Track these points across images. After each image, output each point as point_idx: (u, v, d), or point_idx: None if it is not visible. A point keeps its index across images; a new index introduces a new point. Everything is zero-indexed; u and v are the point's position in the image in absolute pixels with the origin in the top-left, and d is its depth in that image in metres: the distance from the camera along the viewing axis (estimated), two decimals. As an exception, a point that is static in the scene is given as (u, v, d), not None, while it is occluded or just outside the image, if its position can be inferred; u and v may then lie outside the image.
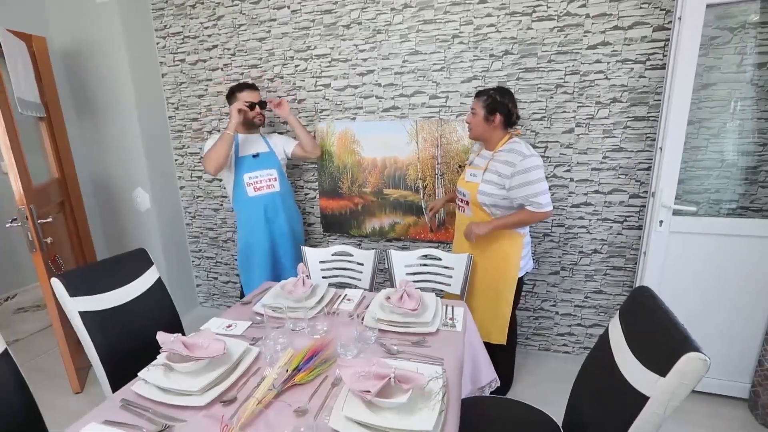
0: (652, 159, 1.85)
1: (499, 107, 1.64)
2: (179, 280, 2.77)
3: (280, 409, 0.96)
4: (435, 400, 0.93)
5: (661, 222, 1.75)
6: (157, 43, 2.50)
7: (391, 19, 2.04)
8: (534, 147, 1.98)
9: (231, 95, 2.01)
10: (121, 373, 1.31)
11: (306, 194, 2.46)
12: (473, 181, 1.72)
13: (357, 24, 2.10)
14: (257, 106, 2.01)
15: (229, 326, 1.38)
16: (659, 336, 0.90)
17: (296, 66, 2.26)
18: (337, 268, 1.97)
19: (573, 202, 2.03)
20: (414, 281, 1.84)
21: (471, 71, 2.00)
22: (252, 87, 2.02)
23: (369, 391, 0.89)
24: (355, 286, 1.92)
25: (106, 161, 2.55)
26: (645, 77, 1.80)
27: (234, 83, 2.05)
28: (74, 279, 1.34)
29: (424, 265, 1.87)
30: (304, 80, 2.27)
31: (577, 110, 1.91)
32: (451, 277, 1.83)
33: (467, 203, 1.77)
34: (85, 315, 1.31)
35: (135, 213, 2.58)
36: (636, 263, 1.98)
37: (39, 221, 1.92)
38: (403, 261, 1.85)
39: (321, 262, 1.95)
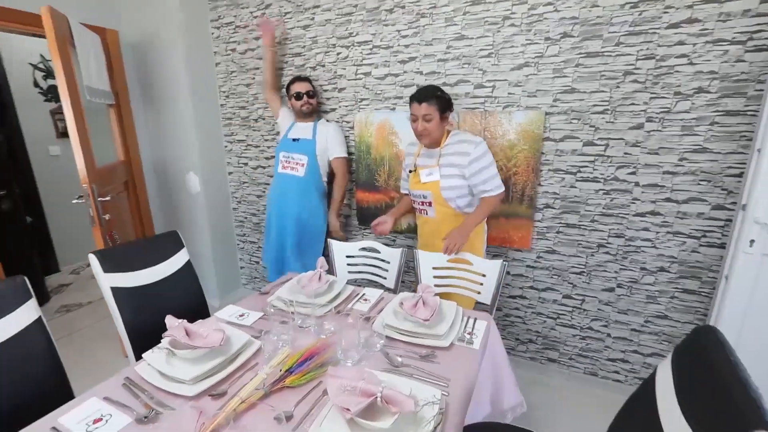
0: (746, 163, 1.51)
1: (448, 104, 1.67)
2: (224, 260, 2.91)
3: (262, 413, 0.92)
4: (425, 430, 0.83)
5: (752, 242, 1.43)
6: (212, 34, 2.59)
7: (436, 1, 1.89)
8: (592, 144, 1.74)
9: (287, 89, 2.19)
10: (148, 348, 1.38)
11: (343, 186, 2.42)
12: (432, 180, 1.71)
13: (400, 8, 1.98)
14: (304, 96, 2.13)
15: (241, 315, 1.38)
16: (721, 398, 0.69)
17: (338, 54, 2.20)
18: (363, 264, 1.91)
19: (637, 210, 1.74)
20: (440, 285, 1.71)
21: (522, 57, 1.79)
22: (301, 79, 2.16)
23: (349, 410, 0.81)
24: (381, 285, 1.84)
25: (165, 146, 2.73)
26: (744, 61, 1.46)
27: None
28: (109, 256, 1.42)
29: (454, 269, 1.73)
30: (345, 68, 2.21)
31: (650, 102, 1.62)
32: (482, 284, 1.67)
33: (430, 204, 1.76)
34: (116, 290, 1.38)
35: (187, 195, 2.74)
36: (714, 288, 1.66)
37: (99, 199, 2.09)
38: (430, 262, 1.73)
39: (348, 256, 1.90)
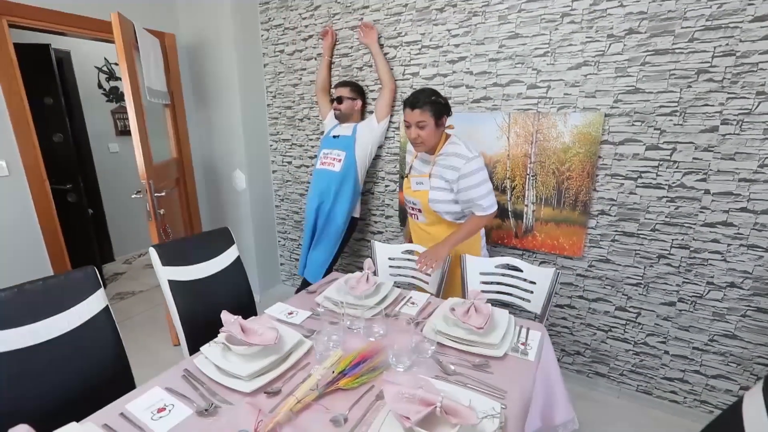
0: (839, 172, 1.36)
1: (444, 109, 1.58)
2: (265, 256, 2.98)
3: (318, 413, 0.92)
4: (486, 445, 0.79)
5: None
6: (262, 35, 2.66)
7: (489, -2, 1.84)
8: (656, 148, 1.62)
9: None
10: (198, 340, 1.42)
11: (386, 186, 2.41)
12: (421, 189, 1.68)
13: (451, 6, 1.94)
14: (334, 102, 2.22)
15: (290, 313, 1.39)
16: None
17: (385, 54, 2.19)
18: (405, 267, 1.88)
19: (706, 219, 1.61)
20: (488, 291, 1.66)
21: (581, 56, 1.70)
22: (340, 84, 2.24)
23: (409, 418, 0.79)
24: (422, 289, 1.81)
25: (213, 144, 2.83)
26: (841, 59, 1.31)
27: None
28: (167, 250, 1.48)
29: (503, 275, 1.67)
30: (392, 69, 2.19)
31: (726, 103, 1.49)
32: (532, 292, 1.60)
33: (419, 210, 1.74)
34: (173, 283, 1.44)
35: (233, 192, 2.83)
36: (795, 308, 1.51)
37: (155, 195, 2.20)
38: (478, 267, 1.68)
39: (390, 258, 1.89)
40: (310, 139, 2.66)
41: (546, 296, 1.54)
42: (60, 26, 2.21)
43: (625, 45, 1.61)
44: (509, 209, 2.02)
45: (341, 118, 2.24)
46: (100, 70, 3.56)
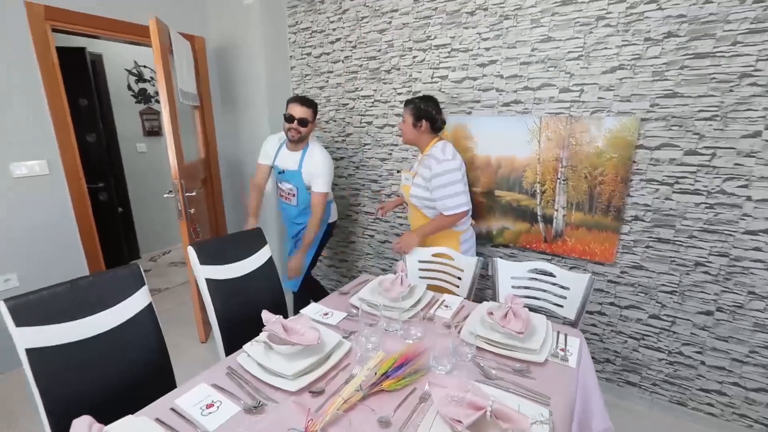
0: None
1: (424, 114, 1.76)
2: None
3: (365, 414, 0.93)
4: (539, 451, 0.79)
5: None
6: (289, 38, 2.70)
7: (522, 2, 1.83)
8: (694, 153, 1.59)
9: (286, 105, 1.98)
10: (233, 337, 1.45)
11: (411, 189, 2.41)
12: (406, 183, 1.89)
13: (482, 10, 1.94)
14: (295, 121, 1.91)
15: (325, 314, 1.40)
16: None
17: (414, 57, 2.20)
18: (435, 270, 1.88)
19: (747, 227, 1.57)
20: (520, 296, 1.65)
21: (617, 59, 1.68)
22: (301, 101, 1.92)
23: (461, 422, 0.79)
24: (453, 293, 1.81)
25: (239, 145, 2.88)
26: None
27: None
28: (205, 248, 1.51)
29: (534, 279, 1.66)
30: (420, 72, 2.20)
31: (771, 108, 1.45)
32: (565, 298, 1.59)
33: (406, 203, 1.99)
34: (209, 281, 1.47)
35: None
36: (843, 320, 1.46)
37: (186, 194, 2.24)
38: (510, 272, 1.67)
39: (420, 261, 1.89)
40: (336, 141, 2.68)
41: (581, 302, 1.52)
42: (98, 30, 2.28)
43: (663, 48, 1.59)
44: (538, 213, 2.00)
45: (296, 141, 1.98)
46: (129, 72, 3.66)
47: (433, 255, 1.87)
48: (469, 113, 2.09)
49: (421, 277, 1.88)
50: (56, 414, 1.02)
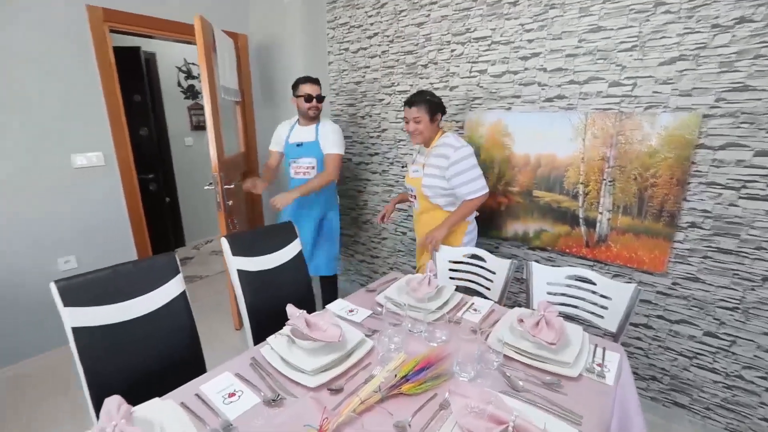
0: None
1: (438, 108, 1.77)
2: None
3: (381, 417, 0.90)
4: (565, 474, 0.73)
5: None
6: (327, 34, 2.71)
7: (571, -11, 1.71)
8: (767, 155, 1.42)
9: (294, 86, 2.15)
10: (261, 328, 1.48)
11: (445, 187, 2.35)
12: (416, 176, 1.86)
13: (526, 0, 1.84)
14: (314, 100, 2.11)
15: (351, 311, 1.40)
16: None
17: (452, 51, 2.13)
18: (466, 272, 1.82)
19: (829, 239, 1.38)
20: (554, 303, 1.55)
21: (677, 49, 1.53)
22: (312, 80, 2.12)
23: (480, 436, 0.75)
24: (483, 295, 1.74)
25: (279, 140, 2.94)
26: None
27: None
28: (237, 240, 1.55)
29: (572, 286, 1.56)
30: (458, 66, 2.13)
31: None
32: (606, 308, 1.47)
33: (415, 197, 1.92)
34: (240, 272, 1.51)
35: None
36: None
37: (225, 186, 2.33)
38: (546, 277, 1.58)
39: (451, 261, 1.83)
40: (371, 137, 2.67)
41: (624, 314, 1.41)
42: (150, 30, 2.41)
43: (733, 36, 1.42)
44: (580, 216, 1.88)
45: (314, 118, 2.16)
46: (179, 69, 3.86)
47: (465, 255, 1.81)
48: (509, 109, 2.00)
49: (450, 278, 1.83)
50: (96, 388, 1.09)
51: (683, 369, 1.76)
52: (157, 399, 0.93)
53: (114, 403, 0.82)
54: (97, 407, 1.08)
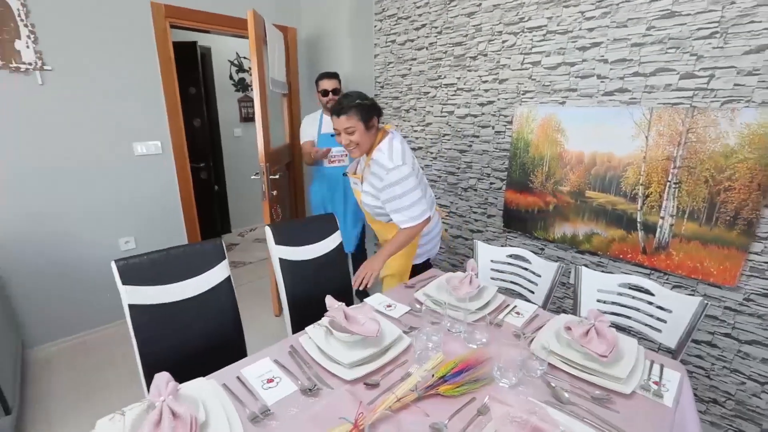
0: None
1: (373, 110, 1.48)
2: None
3: (417, 416, 0.88)
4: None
5: None
6: (375, 26, 2.69)
7: (640, -28, 1.57)
8: None
9: (316, 83, 2.34)
10: (300, 317, 1.51)
11: (491, 183, 2.27)
12: (356, 189, 1.68)
13: (589, -15, 1.71)
14: (330, 93, 2.28)
15: (389, 306, 1.38)
16: None
17: (503, 42, 2.04)
18: (509, 272, 1.75)
19: None
20: (606, 312, 1.45)
21: (767, 36, 1.35)
22: (329, 76, 2.30)
23: (522, 448, 0.70)
24: (526, 299, 1.66)
25: (323, 133, 2.98)
26: None
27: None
28: (281, 229, 1.59)
29: (625, 295, 1.45)
30: (510, 57, 2.03)
31: None
32: (665, 322, 1.35)
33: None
34: (282, 261, 1.54)
35: (336, 180, 2.96)
36: None
37: (270, 177, 2.39)
38: (597, 283, 1.48)
39: (492, 261, 1.77)
40: (415, 130, 2.63)
41: (686, 329, 1.29)
42: (207, 25, 2.52)
43: (839, 20, 1.23)
44: (638, 220, 1.74)
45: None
46: (231, 63, 4.01)
47: (508, 256, 1.73)
48: (563, 103, 1.88)
49: (492, 278, 1.77)
50: (147, 361, 1.16)
51: (752, 395, 1.58)
52: (201, 378, 0.97)
53: (163, 379, 0.86)
54: (148, 379, 1.15)
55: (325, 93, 2.30)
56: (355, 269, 2.39)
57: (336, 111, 1.46)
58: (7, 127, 1.93)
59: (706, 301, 1.25)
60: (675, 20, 1.52)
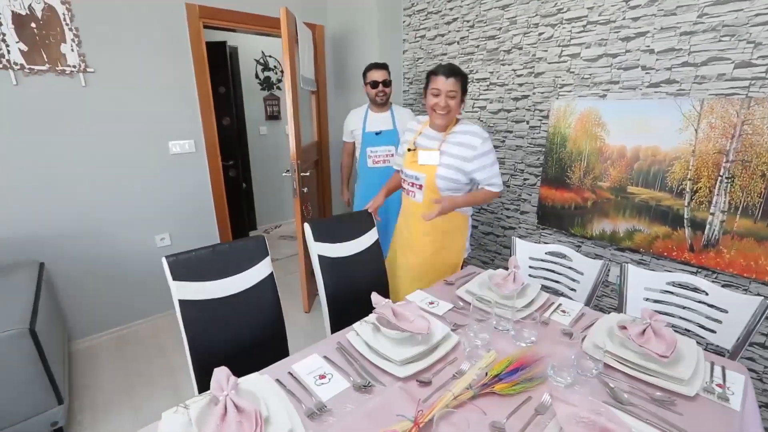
0: None
1: (466, 89, 1.58)
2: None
3: (475, 414, 0.87)
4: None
5: None
6: (403, 21, 2.67)
7: (691, -43, 1.50)
8: None
9: (363, 74, 2.24)
10: (336, 313, 1.52)
11: (525, 179, 2.23)
12: (430, 163, 1.61)
13: (634, -28, 1.65)
14: (380, 85, 2.17)
15: (431, 303, 1.38)
16: None
17: (540, 34, 1.99)
18: (548, 270, 1.71)
19: None
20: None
21: (834, 21, 1.28)
22: (378, 66, 2.18)
23: (595, 450, 0.69)
24: (566, 296, 1.63)
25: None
26: None
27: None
28: (319, 226, 1.60)
29: (674, 294, 1.40)
30: (546, 50, 1.98)
31: None
32: (720, 322, 1.30)
33: (420, 187, 1.66)
34: (321, 258, 1.55)
35: (364, 177, 2.96)
36: None
37: (301, 174, 2.41)
38: (644, 281, 1.43)
39: (531, 258, 1.74)
40: (443, 127, 2.60)
41: (744, 330, 1.23)
42: (238, 24, 2.55)
43: None
44: (685, 216, 1.67)
45: (383, 104, 2.24)
46: (257, 62, 4.06)
47: (547, 253, 1.70)
48: (604, 96, 1.82)
49: (530, 275, 1.74)
50: (197, 355, 1.18)
51: (810, 399, 1.51)
52: (256, 374, 0.99)
53: (223, 374, 0.87)
54: (196, 372, 1.17)
55: (374, 84, 2.18)
56: None
57: (447, 71, 1.53)
58: (55, 128, 2.00)
59: (767, 301, 1.19)
60: (730, 6, 1.45)
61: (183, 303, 1.19)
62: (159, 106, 2.31)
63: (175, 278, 1.19)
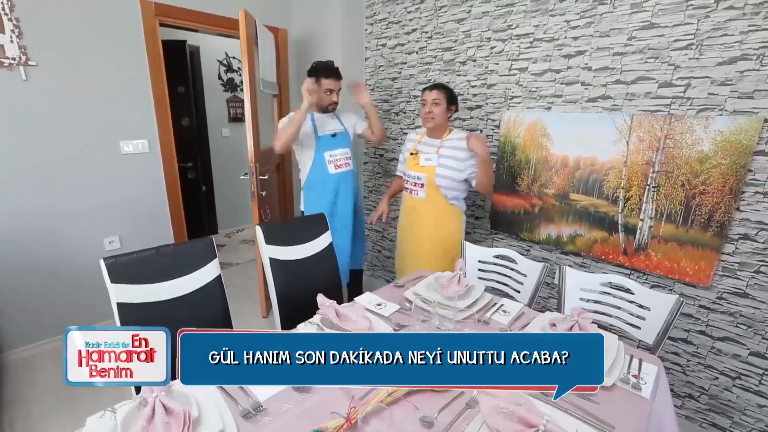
0: None
1: (454, 101, 1.88)
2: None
3: (407, 410, 0.91)
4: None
5: None
6: (365, 30, 2.72)
7: (622, -15, 1.64)
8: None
9: (316, 73, 2.06)
10: (290, 316, 1.52)
11: (477, 186, 2.32)
12: (429, 165, 1.89)
13: (574, -5, 1.77)
14: (334, 94, 2.11)
15: (379, 305, 1.41)
16: None
17: (492, 48, 2.09)
18: (495, 272, 1.79)
19: None
20: (588, 311, 1.50)
21: (738, 48, 1.43)
22: (333, 73, 2.07)
23: (509, 437, 0.73)
24: (512, 297, 1.71)
25: (313, 134, 2.99)
26: None
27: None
28: (271, 229, 1.60)
29: (608, 294, 1.50)
30: (498, 63, 2.09)
31: None
32: (643, 319, 1.41)
33: (422, 185, 1.92)
34: (272, 261, 1.55)
35: (326, 181, 2.97)
36: None
37: (260, 177, 2.39)
38: (580, 282, 1.53)
39: (480, 261, 1.81)
40: (404, 133, 2.66)
41: (663, 326, 1.34)
42: (197, 24, 2.51)
43: (803, 35, 1.32)
44: (619, 222, 1.80)
45: (330, 111, 2.16)
46: (220, 63, 3.99)
47: (495, 256, 1.78)
48: (548, 109, 1.94)
49: (479, 278, 1.81)
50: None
51: (724, 389, 1.66)
52: (193, 375, 0.97)
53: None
54: (137, 379, 1.14)
55: (330, 93, 2.11)
56: (350, 287, 2.40)
57: (430, 87, 1.85)
58: (-11, 123, 1.89)
59: (681, 299, 1.31)
60: (654, 31, 1.59)
61: (122, 306, 1.17)
62: (109, 104, 2.23)
63: (113, 281, 1.16)
